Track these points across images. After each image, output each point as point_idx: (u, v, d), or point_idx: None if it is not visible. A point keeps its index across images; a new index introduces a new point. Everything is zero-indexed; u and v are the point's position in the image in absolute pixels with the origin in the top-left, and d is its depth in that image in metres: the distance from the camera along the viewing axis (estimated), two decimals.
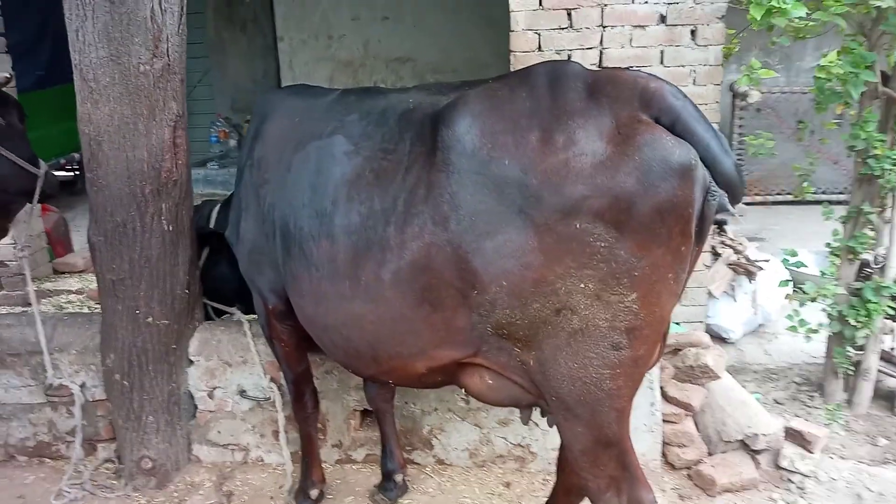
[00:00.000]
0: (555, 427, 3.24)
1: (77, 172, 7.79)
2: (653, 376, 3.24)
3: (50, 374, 3.37)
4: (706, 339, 3.64)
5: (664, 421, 3.37)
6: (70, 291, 5.05)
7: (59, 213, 5.85)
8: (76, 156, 7.70)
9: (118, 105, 2.86)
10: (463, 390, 3.21)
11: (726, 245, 4.99)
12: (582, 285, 1.88)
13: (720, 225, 5.41)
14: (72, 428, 3.44)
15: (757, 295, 4.81)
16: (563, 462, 2.57)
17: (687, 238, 1.89)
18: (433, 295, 2.11)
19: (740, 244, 5.00)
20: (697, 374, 3.49)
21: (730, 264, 4.79)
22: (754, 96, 7.38)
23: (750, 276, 4.77)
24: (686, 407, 3.41)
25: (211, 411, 3.45)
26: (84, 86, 2.86)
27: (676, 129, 1.87)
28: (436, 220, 2.04)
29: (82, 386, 3.40)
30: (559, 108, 1.93)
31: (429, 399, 3.35)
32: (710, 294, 4.63)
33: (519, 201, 1.91)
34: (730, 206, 1.93)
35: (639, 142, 1.82)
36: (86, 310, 4.83)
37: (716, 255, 4.90)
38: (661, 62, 3.73)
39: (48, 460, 3.57)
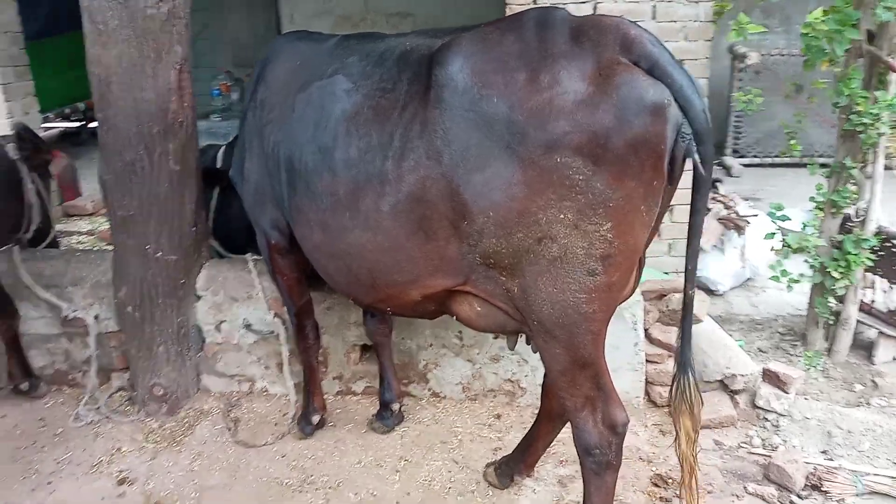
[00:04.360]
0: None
1: (82, 122, 7.86)
2: (636, 318, 3.40)
3: (64, 306, 3.56)
4: None
5: (648, 361, 3.54)
6: (81, 233, 5.23)
7: (68, 159, 5.99)
8: (80, 105, 7.79)
9: (126, 47, 2.98)
10: (456, 322, 3.41)
11: (717, 201, 5.13)
12: (561, 215, 2.03)
13: (714, 183, 5.54)
14: (87, 357, 3.64)
15: (745, 249, 4.96)
16: (547, 388, 2.76)
17: (659, 173, 2.02)
18: (427, 225, 2.26)
19: (731, 200, 5.13)
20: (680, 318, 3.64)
21: (720, 219, 4.94)
22: (753, 58, 7.41)
23: (739, 230, 4.91)
24: (668, 348, 3.58)
25: (218, 343, 3.64)
26: (93, 28, 2.98)
27: (655, 72, 1.99)
28: (430, 154, 2.18)
29: (96, 317, 3.59)
30: (546, 51, 2.05)
31: (424, 335, 3.53)
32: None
33: (506, 137, 2.04)
34: (695, 153, 2.03)
35: (617, 81, 1.95)
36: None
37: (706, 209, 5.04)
38: (654, 17, 3.83)
39: (65, 387, 3.78)
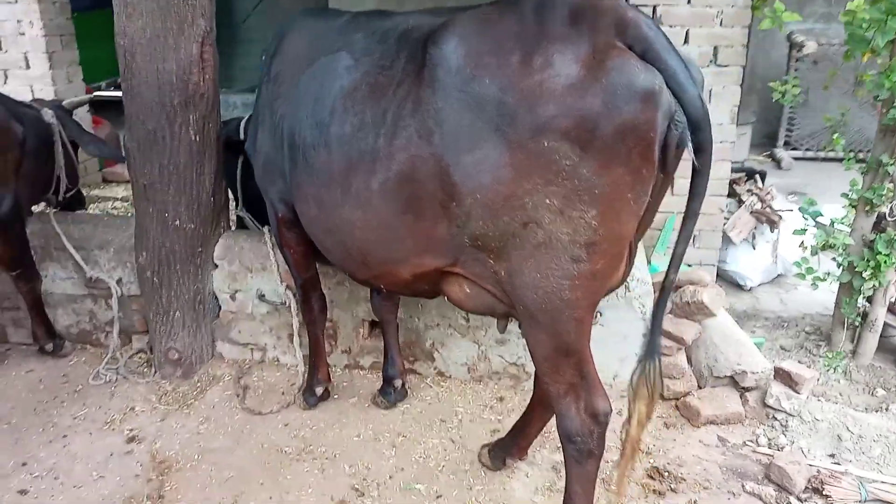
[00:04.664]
0: None
1: None
2: (646, 308, 3.35)
3: (87, 268, 3.70)
4: (707, 278, 3.71)
5: None
6: (116, 198, 5.42)
7: (112, 126, 6.17)
8: None
9: (150, 19, 3.06)
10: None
11: (753, 193, 4.98)
12: (547, 201, 2.01)
13: (750, 174, 5.35)
14: (110, 319, 3.78)
15: (778, 245, 4.81)
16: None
17: (648, 161, 1.98)
18: (416, 205, 2.27)
19: (767, 194, 4.97)
20: (693, 311, 3.58)
21: (753, 212, 4.80)
22: (810, 47, 7.12)
23: (772, 225, 4.77)
24: (679, 340, 3.52)
25: (233, 312, 3.74)
26: (120, 0, 3.07)
27: (647, 57, 1.94)
28: (421, 133, 2.18)
29: (119, 281, 3.73)
30: (542, 33, 2.02)
31: (432, 314, 3.55)
32: (729, 240, 4.66)
33: (496, 119, 2.03)
34: (689, 141, 1.98)
35: (608, 66, 1.91)
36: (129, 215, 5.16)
37: (740, 202, 4.90)
38: (688, 2, 3.72)
39: (89, 346, 3.95)
